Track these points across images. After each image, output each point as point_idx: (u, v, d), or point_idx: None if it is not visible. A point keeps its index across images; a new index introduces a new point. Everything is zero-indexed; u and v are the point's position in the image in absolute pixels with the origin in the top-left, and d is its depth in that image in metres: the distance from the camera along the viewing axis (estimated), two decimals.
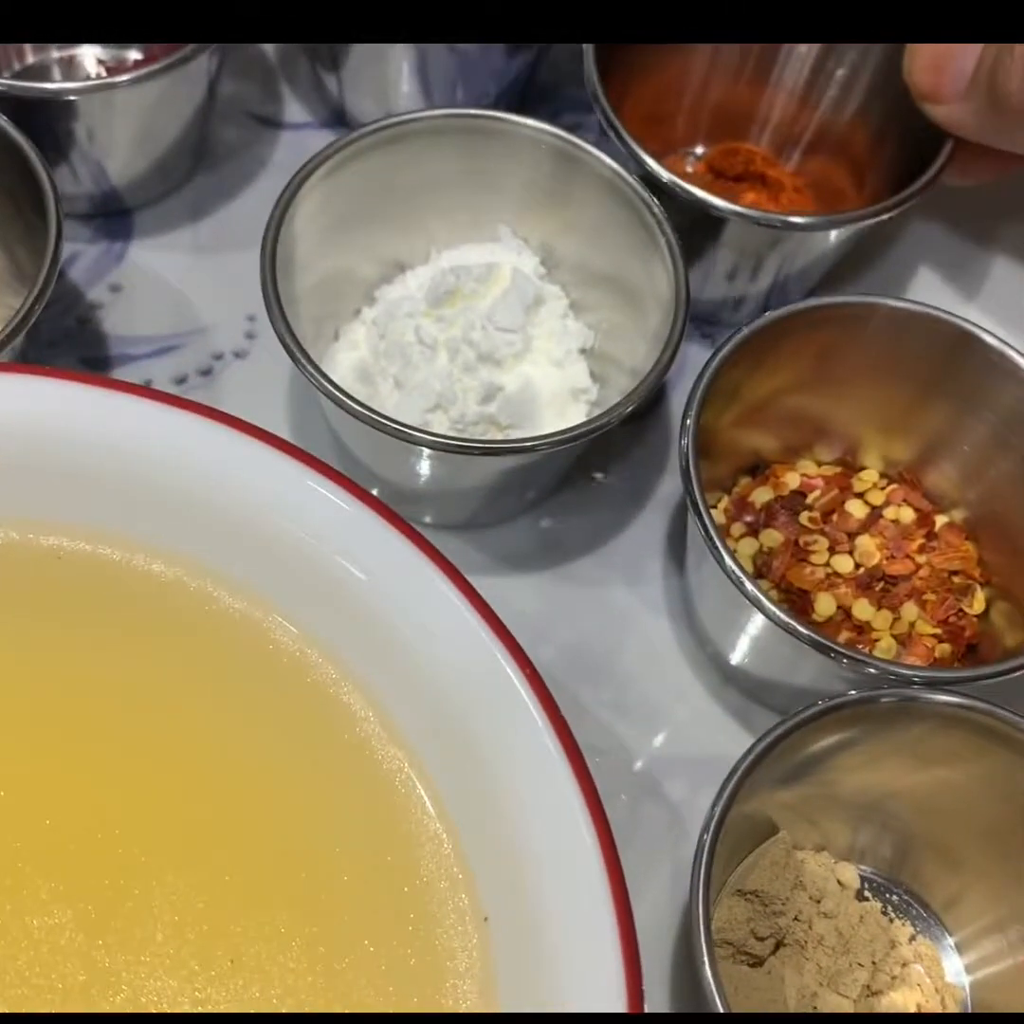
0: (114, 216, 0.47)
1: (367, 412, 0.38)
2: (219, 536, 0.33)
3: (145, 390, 0.34)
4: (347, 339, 0.44)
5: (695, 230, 0.42)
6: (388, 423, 0.38)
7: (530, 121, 0.42)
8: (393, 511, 0.33)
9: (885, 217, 0.42)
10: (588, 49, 0.43)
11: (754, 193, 0.48)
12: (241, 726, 0.33)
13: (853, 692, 0.35)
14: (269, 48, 0.52)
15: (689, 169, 0.49)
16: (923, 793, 0.36)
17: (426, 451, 0.39)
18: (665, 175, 0.41)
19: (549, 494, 0.44)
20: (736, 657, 0.40)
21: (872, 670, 0.35)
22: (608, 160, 0.41)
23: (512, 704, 0.31)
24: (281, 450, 0.33)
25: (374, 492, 0.43)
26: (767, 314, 0.39)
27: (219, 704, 0.33)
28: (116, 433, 0.33)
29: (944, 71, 0.43)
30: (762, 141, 0.50)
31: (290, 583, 0.33)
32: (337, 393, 0.38)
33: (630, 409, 0.38)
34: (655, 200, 0.40)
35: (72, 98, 0.42)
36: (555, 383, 0.43)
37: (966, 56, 0.42)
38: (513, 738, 0.31)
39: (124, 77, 0.41)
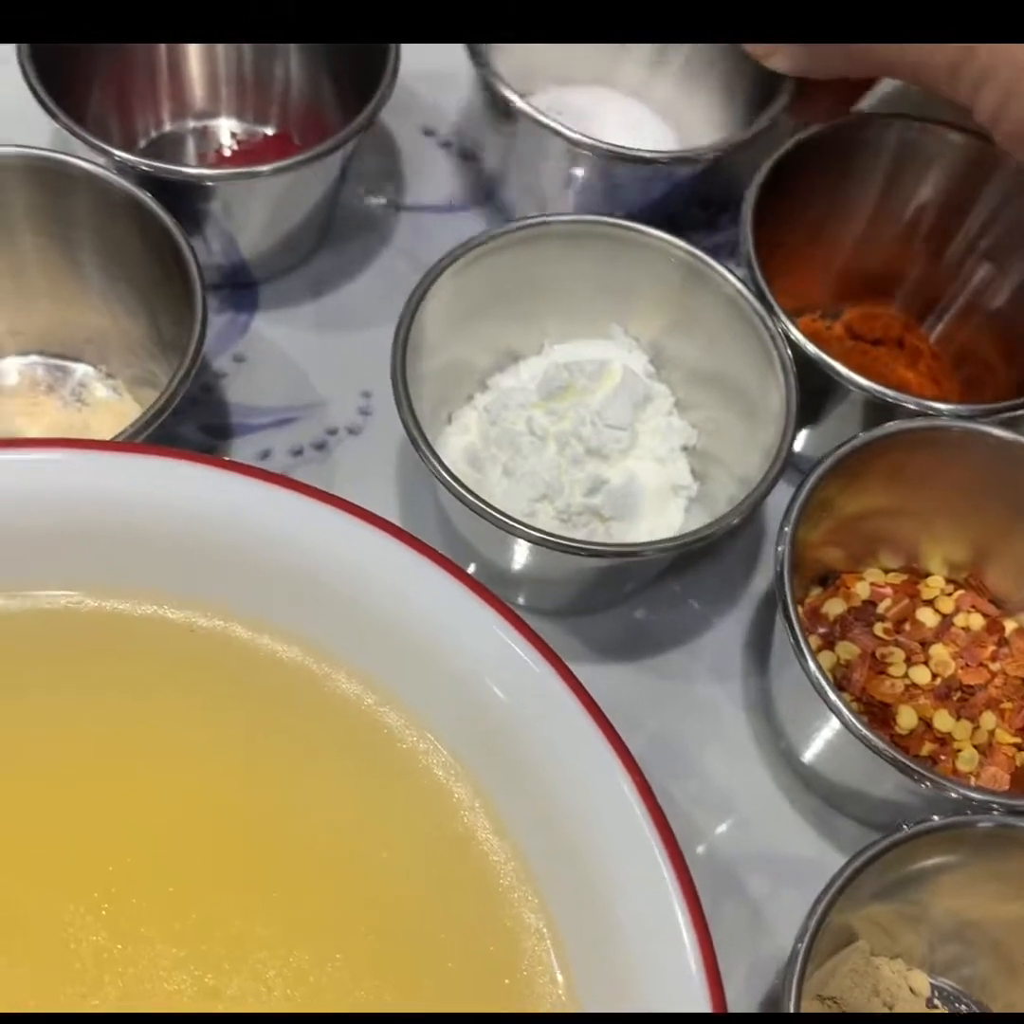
0: (240, 288, 0.49)
1: (478, 502, 0.39)
2: (340, 621, 0.35)
3: (279, 478, 0.35)
4: (459, 423, 0.46)
5: (834, 399, 0.44)
6: (499, 516, 0.39)
7: (663, 234, 0.43)
8: (508, 606, 0.35)
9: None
10: (746, 209, 0.45)
11: (889, 356, 0.49)
12: (350, 810, 0.34)
13: (957, 817, 0.36)
14: (395, 129, 0.54)
15: (827, 327, 0.50)
16: (1013, 920, 0.37)
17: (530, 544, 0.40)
18: (811, 348, 0.43)
19: (645, 587, 0.45)
20: (816, 762, 0.42)
21: (952, 795, 0.37)
22: (733, 280, 0.43)
23: (618, 803, 0.32)
24: (402, 540, 0.35)
25: (471, 567, 0.46)
26: (865, 434, 0.41)
27: (330, 786, 0.34)
28: (248, 517, 0.34)
29: None
30: (905, 306, 0.51)
31: (406, 671, 0.35)
32: (451, 481, 0.40)
33: (736, 521, 0.39)
34: (784, 334, 0.42)
35: (212, 184, 0.44)
36: (657, 478, 0.45)
37: None
38: (616, 836, 0.32)
39: (266, 168, 0.43)
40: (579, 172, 0.47)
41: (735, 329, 0.43)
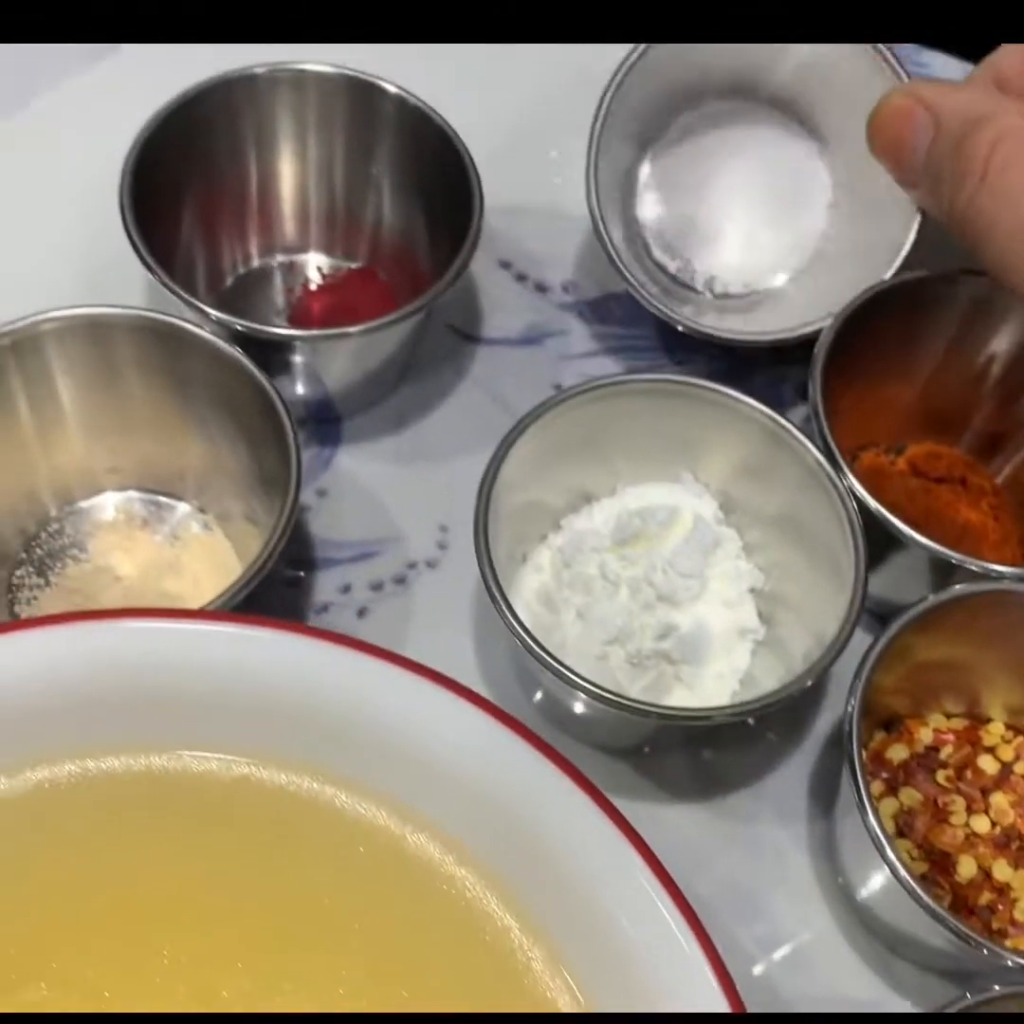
0: (325, 423, 0.51)
1: (547, 656, 0.41)
2: (426, 785, 0.37)
3: (383, 652, 0.37)
4: (533, 562, 0.47)
5: (898, 550, 0.45)
6: (568, 673, 0.41)
7: (745, 398, 0.45)
8: (581, 773, 0.36)
9: None
10: (817, 363, 0.46)
11: (951, 494, 0.50)
12: (426, 967, 0.36)
13: (1016, 987, 0.37)
14: (471, 263, 0.55)
15: (891, 462, 0.52)
16: None
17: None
18: (873, 504, 0.44)
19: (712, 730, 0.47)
20: (876, 909, 0.43)
21: (1008, 963, 0.38)
22: (812, 448, 0.44)
23: (684, 965, 0.34)
24: (483, 709, 0.36)
25: (538, 694, 0.47)
26: (934, 597, 0.42)
27: (408, 944, 0.36)
28: (354, 691, 0.36)
29: (901, 153, 0.46)
30: (969, 447, 0.52)
31: (485, 832, 0.37)
32: (522, 635, 0.41)
33: (809, 683, 0.41)
34: (850, 491, 0.44)
35: (301, 344, 0.46)
36: (725, 622, 0.46)
37: (919, 138, 0.45)
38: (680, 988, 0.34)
39: (356, 328, 0.45)
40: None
41: (805, 484, 0.44)
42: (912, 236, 0.49)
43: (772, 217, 0.54)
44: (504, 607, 0.41)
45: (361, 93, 0.50)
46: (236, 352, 0.43)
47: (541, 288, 0.56)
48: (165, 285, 0.45)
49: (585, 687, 0.40)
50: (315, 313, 0.53)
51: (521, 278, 0.56)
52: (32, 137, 0.56)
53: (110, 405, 0.46)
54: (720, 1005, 0.33)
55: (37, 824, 0.36)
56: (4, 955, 0.35)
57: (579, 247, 0.57)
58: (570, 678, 0.40)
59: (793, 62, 0.52)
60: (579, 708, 0.44)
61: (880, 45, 0.49)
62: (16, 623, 0.37)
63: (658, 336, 0.55)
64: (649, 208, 0.54)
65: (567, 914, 0.36)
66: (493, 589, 0.41)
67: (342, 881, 0.36)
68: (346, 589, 0.48)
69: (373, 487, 0.50)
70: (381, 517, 0.50)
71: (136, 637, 0.36)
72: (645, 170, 0.54)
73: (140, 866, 0.36)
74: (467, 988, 0.36)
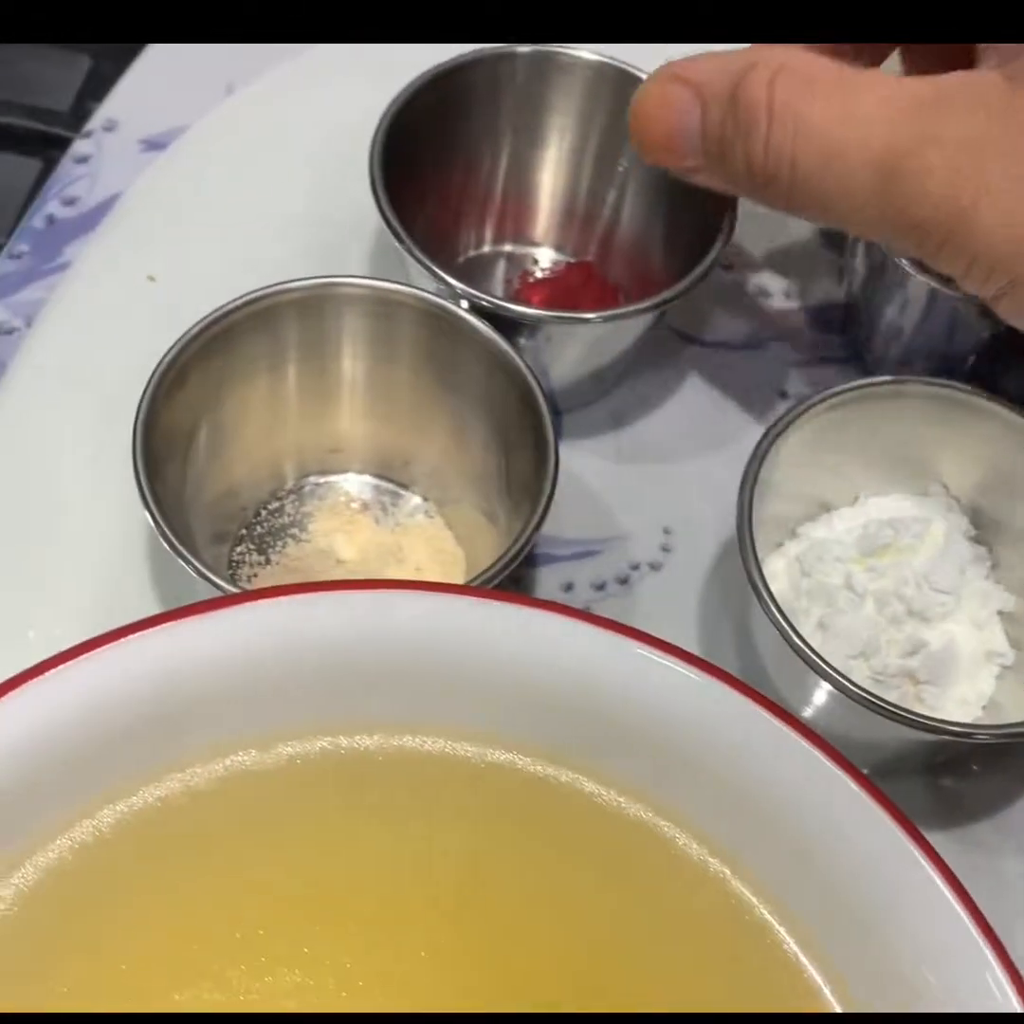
0: None
1: (809, 652, 0.39)
2: (683, 779, 0.34)
3: (639, 633, 0.35)
4: (767, 570, 0.45)
5: None
6: (835, 675, 0.39)
7: (1001, 402, 0.43)
8: (853, 766, 0.34)
9: None
10: None
11: None
12: (695, 982, 0.33)
13: None
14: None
15: None
16: None
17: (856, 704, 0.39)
18: None
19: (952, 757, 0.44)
20: None
21: None
22: None
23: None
24: (760, 704, 0.34)
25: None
26: None
27: (672, 950, 0.34)
28: (617, 676, 0.34)
29: (673, 142, 0.40)
30: None
31: (759, 840, 0.34)
32: (789, 631, 0.40)
33: None
34: None
35: (538, 324, 0.45)
36: (974, 644, 0.44)
37: (686, 119, 0.40)
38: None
39: (594, 315, 0.45)
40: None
41: None
42: None
43: None
44: (772, 606, 0.39)
45: (621, 84, 0.48)
46: (504, 344, 0.43)
47: (764, 293, 0.54)
48: (415, 257, 0.43)
49: (847, 688, 0.38)
50: (535, 305, 0.51)
51: (742, 282, 0.54)
52: (271, 103, 0.55)
53: (376, 383, 0.45)
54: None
55: (290, 800, 0.35)
56: (254, 936, 0.33)
57: (801, 254, 0.55)
58: (834, 677, 0.38)
59: None
60: (818, 716, 0.42)
61: None
62: (264, 591, 0.35)
63: None
64: None
65: (845, 919, 0.33)
66: (759, 586, 0.40)
67: (602, 878, 0.34)
68: (569, 587, 0.46)
69: (593, 485, 0.49)
70: (603, 515, 0.48)
71: (393, 609, 0.34)
72: None
73: (395, 851, 0.34)
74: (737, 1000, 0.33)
